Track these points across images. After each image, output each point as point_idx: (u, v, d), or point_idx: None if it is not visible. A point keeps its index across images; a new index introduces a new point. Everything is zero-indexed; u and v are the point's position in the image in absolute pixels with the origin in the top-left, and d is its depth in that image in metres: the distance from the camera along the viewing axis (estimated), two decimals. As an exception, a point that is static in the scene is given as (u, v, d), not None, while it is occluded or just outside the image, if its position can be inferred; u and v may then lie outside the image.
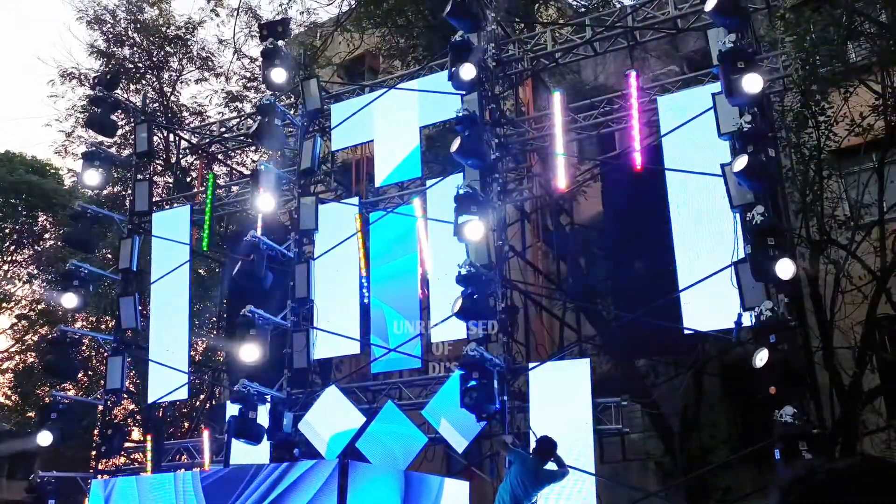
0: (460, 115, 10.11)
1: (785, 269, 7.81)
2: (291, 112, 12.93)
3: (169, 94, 20.39)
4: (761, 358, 7.61)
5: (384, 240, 12.15)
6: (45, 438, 12.12)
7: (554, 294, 14.87)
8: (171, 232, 13.55)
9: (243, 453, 11.10)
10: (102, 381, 13.48)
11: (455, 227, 9.75)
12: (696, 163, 9.65)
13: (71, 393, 16.84)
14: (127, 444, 13.89)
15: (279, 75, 12.12)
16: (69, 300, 12.84)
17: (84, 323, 19.08)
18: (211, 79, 20.71)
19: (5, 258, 22.61)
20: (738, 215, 8.72)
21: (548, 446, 7.74)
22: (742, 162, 8.06)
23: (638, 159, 10.52)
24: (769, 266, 7.85)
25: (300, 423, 10.90)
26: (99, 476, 12.20)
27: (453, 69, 10.26)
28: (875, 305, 11.48)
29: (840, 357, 11.70)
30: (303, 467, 8.33)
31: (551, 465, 7.81)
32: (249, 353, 10.54)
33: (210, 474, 9.16)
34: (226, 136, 15.11)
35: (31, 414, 20.24)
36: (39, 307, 22.37)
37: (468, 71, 10.17)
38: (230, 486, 8.33)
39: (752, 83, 8.32)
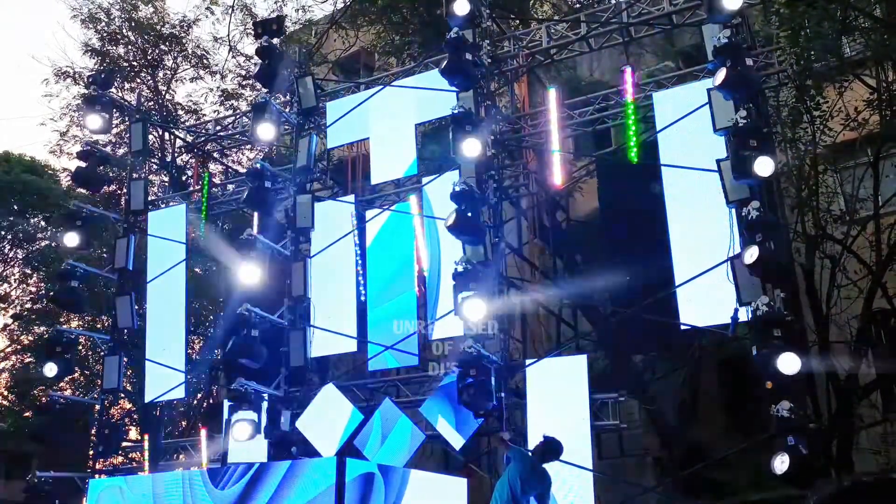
0: (456, 112, 10.10)
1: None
2: (287, 110, 12.91)
3: (164, 92, 20.34)
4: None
5: (381, 238, 12.13)
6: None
7: (551, 290, 14.88)
8: (167, 231, 13.51)
9: (241, 452, 11.10)
10: (99, 381, 13.46)
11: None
12: (691, 158, 9.65)
13: (68, 392, 16.84)
14: (124, 444, 13.87)
15: (273, 73, 12.13)
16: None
17: (80, 322, 19.04)
18: (206, 77, 20.67)
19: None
20: (733, 210, 8.73)
21: (553, 448, 7.66)
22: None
23: (633, 155, 10.53)
24: (766, 261, 7.86)
25: (297, 422, 10.90)
26: (96, 475, 12.20)
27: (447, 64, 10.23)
28: (871, 300, 11.51)
29: (836, 351, 11.73)
30: (300, 465, 8.33)
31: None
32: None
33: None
34: (221, 134, 15.08)
35: (28, 414, 20.21)
36: (36, 307, 22.31)
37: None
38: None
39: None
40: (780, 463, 7.27)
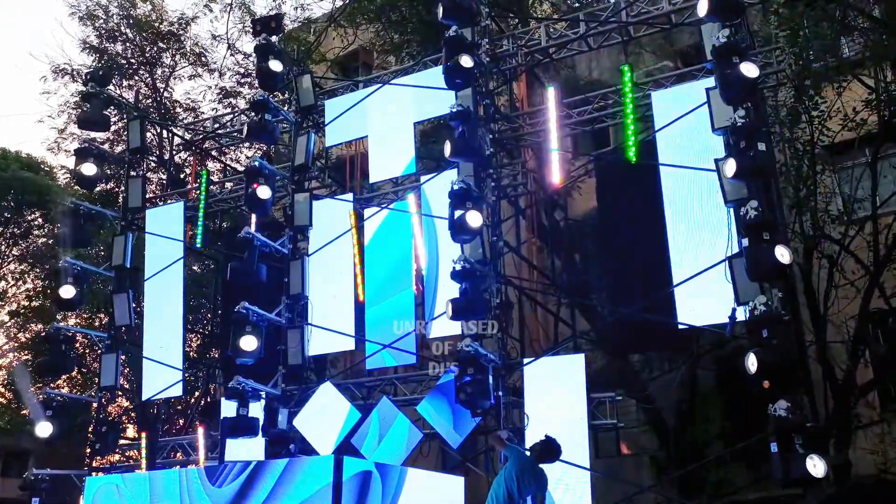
0: (455, 110, 10.09)
1: (782, 254, 7.81)
2: (285, 108, 12.90)
3: (162, 90, 20.34)
4: (752, 362, 7.60)
5: (379, 236, 12.12)
6: (44, 430, 12.06)
7: (548, 289, 14.88)
8: (165, 228, 13.50)
9: (238, 450, 11.09)
10: (97, 379, 13.45)
11: (450, 223, 9.73)
12: (689, 158, 9.65)
13: (65, 390, 16.82)
14: (121, 442, 13.87)
15: (272, 71, 12.10)
16: (67, 292, 12.78)
17: (77, 320, 19.03)
18: (204, 75, 20.68)
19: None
20: (731, 210, 8.73)
21: (552, 450, 7.64)
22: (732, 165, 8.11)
23: (632, 154, 10.53)
24: (764, 260, 7.85)
25: (295, 420, 10.90)
26: (93, 473, 12.19)
27: (450, 63, 10.20)
28: (868, 300, 11.53)
29: (833, 351, 11.75)
30: (297, 463, 8.32)
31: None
32: (248, 343, 10.54)
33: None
34: (219, 132, 15.06)
35: (26, 412, 20.18)
36: (33, 304, 22.29)
37: (466, 61, 10.14)
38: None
39: (748, 71, 8.32)
40: (814, 467, 7.18)
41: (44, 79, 20.19)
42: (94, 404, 13.16)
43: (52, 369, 13.29)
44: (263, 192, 11.40)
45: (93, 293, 16.56)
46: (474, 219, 9.57)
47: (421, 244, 11.63)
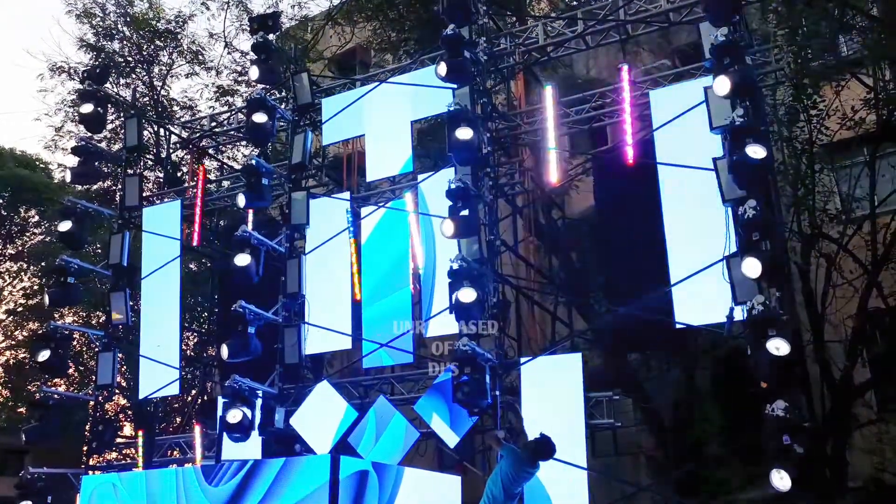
0: (452, 109, 10.06)
1: (751, 267, 7.80)
2: (282, 106, 12.86)
3: (159, 88, 20.30)
4: (777, 347, 7.56)
5: (376, 235, 12.10)
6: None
7: (546, 288, 14.87)
8: (162, 227, 13.46)
9: (236, 448, 11.06)
10: (93, 377, 13.41)
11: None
12: (688, 157, 9.62)
13: (62, 388, 16.79)
14: (118, 440, 13.84)
15: (268, 70, 12.08)
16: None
17: (75, 318, 19.00)
18: (201, 73, 20.64)
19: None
20: (730, 209, 8.71)
21: (547, 448, 7.64)
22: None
23: (630, 153, 10.50)
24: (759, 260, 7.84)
25: (292, 419, 10.88)
26: (90, 472, 12.16)
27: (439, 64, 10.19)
28: (866, 299, 11.53)
29: (831, 351, 11.75)
30: (294, 462, 8.31)
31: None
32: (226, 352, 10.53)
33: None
34: (216, 130, 15.02)
35: (22, 410, 20.15)
36: (30, 303, 22.26)
37: (441, 70, 10.17)
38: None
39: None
40: (780, 479, 7.17)
41: (41, 76, 20.19)
42: (91, 402, 13.14)
43: (48, 369, 13.23)
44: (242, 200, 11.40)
45: (90, 291, 16.53)
46: (447, 228, 9.53)
47: (418, 243, 11.60)
